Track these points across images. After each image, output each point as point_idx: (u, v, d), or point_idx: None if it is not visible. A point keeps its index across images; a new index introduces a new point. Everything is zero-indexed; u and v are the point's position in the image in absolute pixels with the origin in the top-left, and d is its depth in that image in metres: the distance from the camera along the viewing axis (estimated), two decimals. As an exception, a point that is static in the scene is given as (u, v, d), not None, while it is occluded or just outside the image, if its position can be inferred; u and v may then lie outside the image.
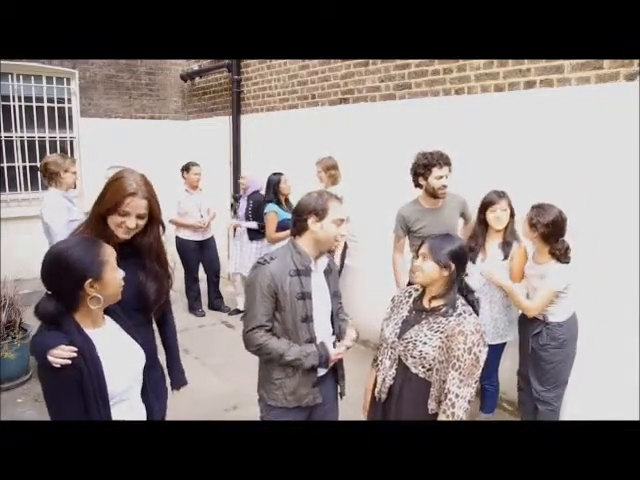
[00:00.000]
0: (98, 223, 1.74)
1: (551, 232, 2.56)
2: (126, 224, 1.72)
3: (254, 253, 4.83)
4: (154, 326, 2.04)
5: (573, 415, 2.90)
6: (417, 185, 3.18)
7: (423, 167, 3.06)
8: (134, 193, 1.71)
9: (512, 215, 2.88)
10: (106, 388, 1.44)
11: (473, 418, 3.18)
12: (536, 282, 2.70)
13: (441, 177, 3.04)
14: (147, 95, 6.64)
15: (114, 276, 1.47)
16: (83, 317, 1.44)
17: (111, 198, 1.72)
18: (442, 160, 3.03)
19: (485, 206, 2.90)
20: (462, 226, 3.39)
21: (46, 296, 1.39)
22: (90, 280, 1.39)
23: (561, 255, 2.58)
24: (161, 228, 1.89)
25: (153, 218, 1.81)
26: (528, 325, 2.78)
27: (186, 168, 5.03)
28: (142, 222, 1.77)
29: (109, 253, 1.47)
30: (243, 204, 5.01)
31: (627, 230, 2.69)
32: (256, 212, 4.82)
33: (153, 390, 1.75)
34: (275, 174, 4.52)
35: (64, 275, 1.37)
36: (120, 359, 1.51)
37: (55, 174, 3.57)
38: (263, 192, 4.85)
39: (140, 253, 1.83)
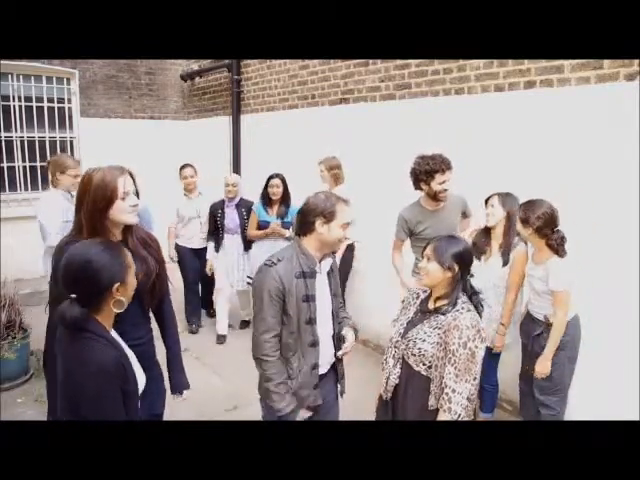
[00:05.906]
0: (95, 224, 1.71)
1: (545, 224, 2.53)
2: (131, 204, 1.74)
3: (251, 261, 4.43)
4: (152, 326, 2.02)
5: (573, 415, 2.90)
6: (418, 188, 3.12)
7: (425, 173, 2.96)
8: (122, 171, 1.75)
9: (509, 220, 2.82)
10: (138, 389, 1.48)
11: (473, 418, 3.18)
12: (538, 284, 2.65)
13: (443, 182, 2.97)
14: (147, 95, 6.64)
15: (133, 279, 1.51)
16: (103, 320, 1.45)
17: (104, 189, 1.70)
18: (444, 165, 2.94)
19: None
20: (460, 222, 3.35)
21: (70, 302, 1.37)
22: (117, 285, 1.42)
23: (558, 246, 2.54)
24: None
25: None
26: (530, 327, 2.78)
27: (179, 171, 4.64)
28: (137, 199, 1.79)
29: (130, 257, 1.51)
30: (232, 214, 4.42)
31: (627, 229, 2.69)
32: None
33: (144, 396, 1.73)
34: (271, 175, 4.22)
35: (92, 281, 1.39)
36: (133, 359, 1.52)
37: (51, 174, 3.55)
38: (246, 197, 4.51)
39: (125, 237, 1.81)
